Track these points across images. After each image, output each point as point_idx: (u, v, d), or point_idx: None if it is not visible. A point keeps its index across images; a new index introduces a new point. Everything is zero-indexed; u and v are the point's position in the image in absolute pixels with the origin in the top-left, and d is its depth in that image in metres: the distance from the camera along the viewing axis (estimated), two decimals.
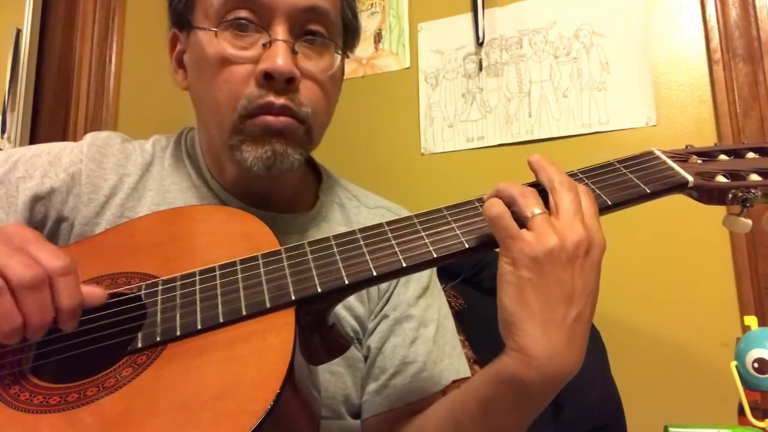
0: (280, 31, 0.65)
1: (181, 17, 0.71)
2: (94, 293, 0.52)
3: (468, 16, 1.53)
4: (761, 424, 0.63)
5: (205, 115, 0.70)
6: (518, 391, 0.52)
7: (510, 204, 0.54)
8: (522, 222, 0.52)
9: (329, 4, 0.69)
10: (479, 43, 1.50)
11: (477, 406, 0.57)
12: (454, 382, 0.75)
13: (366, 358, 0.76)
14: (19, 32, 1.71)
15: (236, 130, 0.66)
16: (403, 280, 0.78)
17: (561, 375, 0.51)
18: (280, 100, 0.65)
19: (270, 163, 0.66)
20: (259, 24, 0.65)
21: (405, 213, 0.85)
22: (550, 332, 0.50)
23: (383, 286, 0.77)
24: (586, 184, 0.58)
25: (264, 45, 0.65)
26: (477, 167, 1.47)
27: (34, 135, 1.71)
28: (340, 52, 0.72)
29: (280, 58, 0.63)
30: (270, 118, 0.65)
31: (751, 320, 0.71)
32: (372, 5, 1.66)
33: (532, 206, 0.52)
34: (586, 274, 0.51)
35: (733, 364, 0.67)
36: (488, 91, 1.49)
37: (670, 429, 0.62)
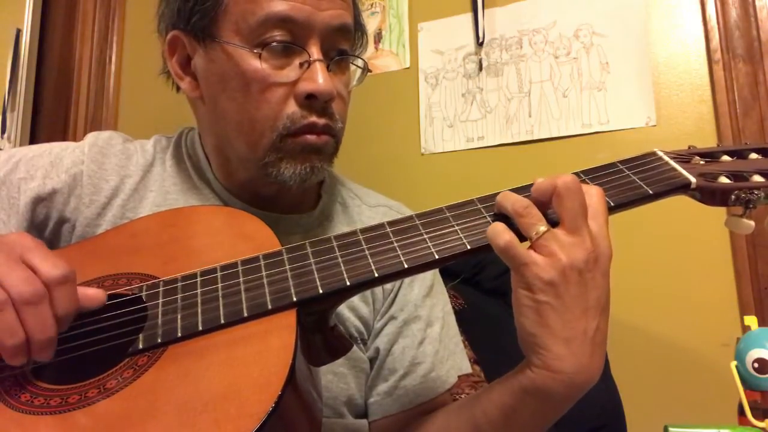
0: (315, 51, 0.66)
1: (196, 25, 0.69)
2: (95, 296, 0.52)
3: (468, 16, 1.53)
4: (761, 424, 0.63)
5: (230, 130, 0.69)
6: (544, 401, 0.53)
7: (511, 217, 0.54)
8: (524, 236, 0.52)
9: (352, 20, 0.71)
10: (479, 43, 1.50)
11: (499, 415, 0.58)
12: (458, 377, 0.77)
13: (372, 359, 0.76)
14: (19, 32, 1.71)
15: (275, 148, 0.67)
16: (407, 279, 0.78)
17: (587, 384, 0.52)
18: (322, 121, 0.67)
19: (307, 178, 0.68)
20: (295, 44, 0.66)
21: (406, 211, 0.86)
22: (574, 347, 0.50)
23: (388, 285, 0.77)
24: (595, 185, 0.57)
25: (301, 65, 0.66)
26: (477, 167, 1.47)
27: (34, 135, 1.72)
28: (365, 66, 0.74)
29: (322, 79, 0.65)
30: (312, 138, 0.67)
31: (751, 320, 0.71)
32: (372, 5, 1.66)
33: (536, 225, 0.51)
34: (598, 285, 0.51)
35: (733, 364, 0.67)
36: (488, 91, 1.49)
37: (670, 429, 0.62)
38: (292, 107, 0.66)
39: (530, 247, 0.52)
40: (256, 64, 0.65)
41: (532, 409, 0.55)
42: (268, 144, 0.67)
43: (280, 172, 0.67)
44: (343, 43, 0.70)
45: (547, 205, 0.53)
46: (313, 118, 0.66)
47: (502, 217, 0.55)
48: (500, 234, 0.52)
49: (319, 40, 0.66)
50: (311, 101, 0.66)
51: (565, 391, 0.52)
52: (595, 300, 0.51)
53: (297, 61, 0.66)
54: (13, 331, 0.46)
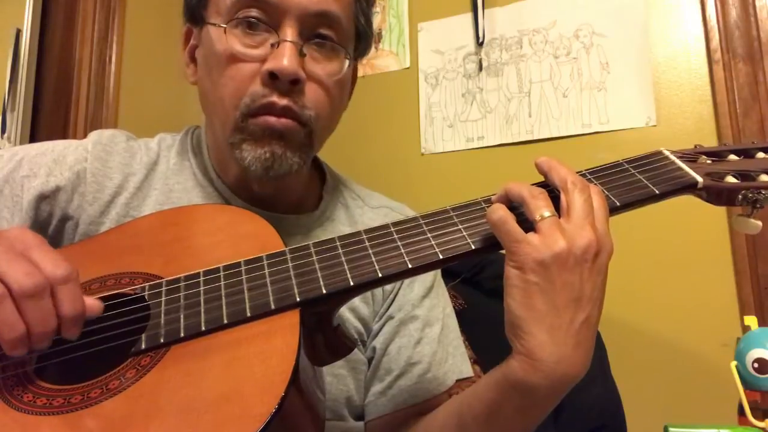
0: (289, 33, 0.65)
1: (195, 12, 0.71)
2: (92, 305, 0.51)
3: (468, 16, 1.53)
4: (761, 424, 0.64)
5: (210, 111, 0.71)
6: (524, 395, 0.52)
7: (519, 205, 0.54)
8: (530, 224, 0.52)
9: (341, 11, 0.69)
10: (479, 43, 1.50)
11: (483, 409, 0.57)
12: (458, 381, 0.75)
13: (370, 360, 0.76)
14: (19, 32, 1.71)
15: (238, 128, 0.66)
16: (407, 280, 0.78)
17: (567, 379, 0.51)
18: (282, 101, 0.65)
19: (268, 165, 0.66)
20: (269, 24, 0.66)
21: (408, 212, 0.85)
22: (557, 336, 0.50)
23: (388, 287, 0.77)
24: (594, 185, 0.57)
25: (272, 45, 0.65)
26: (477, 167, 1.47)
27: (34, 135, 1.71)
28: (349, 57, 0.72)
29: (285, 59, 0.63)
30: (271, 119, 0.65)
31: (751, 320, 0.71)
32: None
33: (542, 209, 0.52)
34: (593, 279, 0.51)
35: (733, 364, 0.67)
36: (488, 91, 1.50)
37: (670, 429, 0.62)
38: (255, 86, 0.65)
39: (533, 229, 0.52)
40: (227, 41, 0.65)
41: (514, 404, 0.54)
42: (232, 123, 0.66)
43: (242, 155, 0.66)
44: (326, 29, 0.68)
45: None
46: (273, 98, 0.64)
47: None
48: (496, 210, 0.52)
49: (295, 23, 0.65)
50: (275, 81, 0.64)
51: (546, 383, 0.50)
52: (589, 292, 0.50)
53: (269, 42, 0.66)
54: (12, 325, 0.45)
